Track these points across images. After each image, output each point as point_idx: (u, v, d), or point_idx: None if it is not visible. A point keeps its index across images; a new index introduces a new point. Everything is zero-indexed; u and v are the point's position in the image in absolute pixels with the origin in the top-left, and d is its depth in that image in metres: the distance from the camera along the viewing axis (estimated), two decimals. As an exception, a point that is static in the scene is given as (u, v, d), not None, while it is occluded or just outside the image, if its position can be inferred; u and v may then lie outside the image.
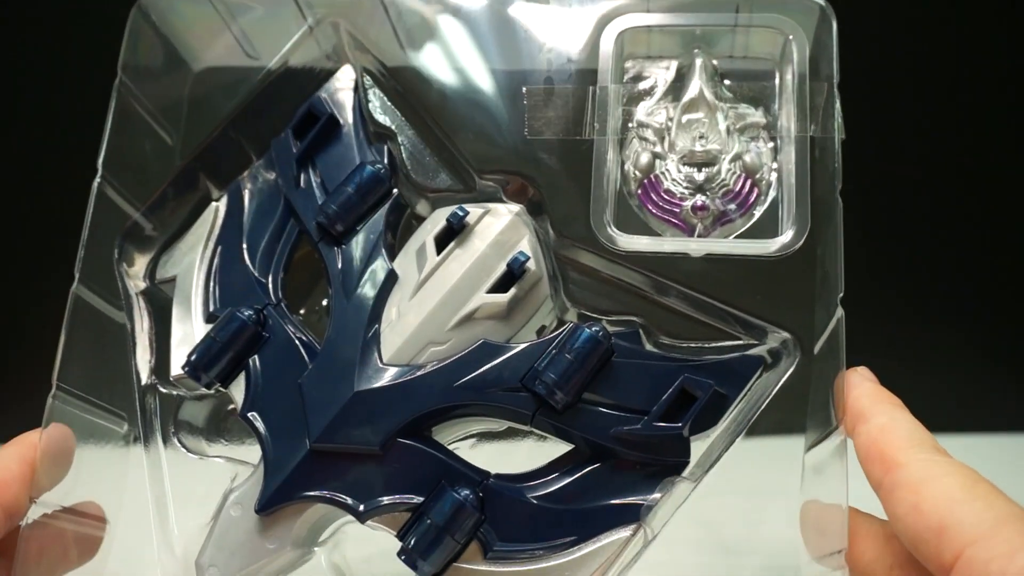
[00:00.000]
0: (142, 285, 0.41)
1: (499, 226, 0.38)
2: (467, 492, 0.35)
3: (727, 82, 0.40)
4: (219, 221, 0.41)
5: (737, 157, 0.38)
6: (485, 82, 0.40)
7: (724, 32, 0.40)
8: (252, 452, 0.38)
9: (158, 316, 0.40)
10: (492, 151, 0.39)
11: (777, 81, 0.40)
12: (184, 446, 0.39)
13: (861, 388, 0.35)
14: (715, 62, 0.40)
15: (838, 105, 0.38)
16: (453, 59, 0.41)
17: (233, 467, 0.39)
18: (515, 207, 0.38)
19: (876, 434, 0.33)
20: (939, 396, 0.56)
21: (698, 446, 0.36)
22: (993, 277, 0.63)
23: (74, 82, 0.59)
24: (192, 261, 0.41)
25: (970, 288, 0.63)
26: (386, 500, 0.36)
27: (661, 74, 0.40)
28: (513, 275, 0.37)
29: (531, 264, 0.37)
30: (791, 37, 0.39)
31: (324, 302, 0.42)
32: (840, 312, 0.35)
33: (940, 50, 0.59)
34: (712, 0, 0.40)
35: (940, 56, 0.59)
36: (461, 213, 0.37)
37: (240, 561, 0.36)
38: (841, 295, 0.35)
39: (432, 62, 0.41)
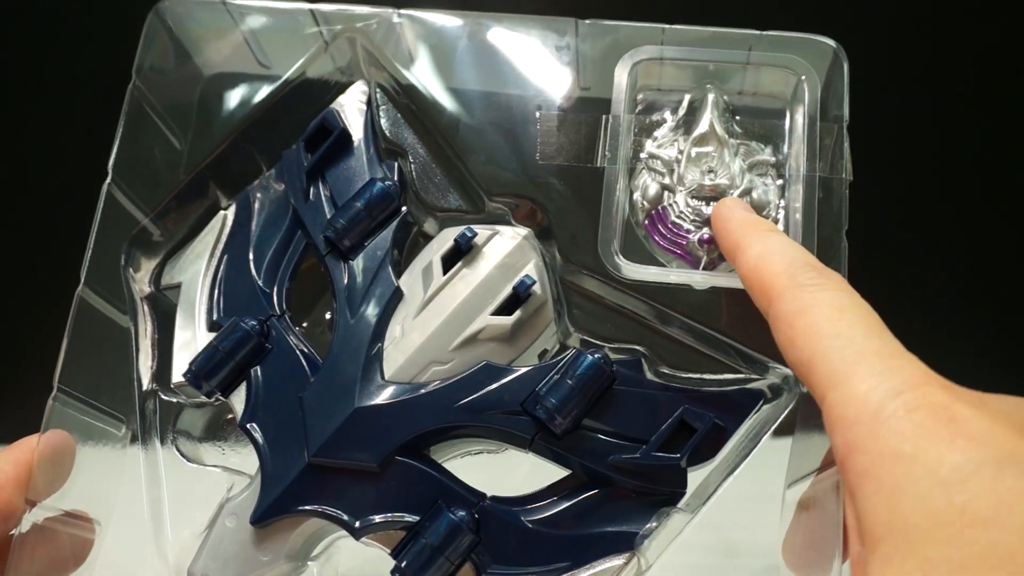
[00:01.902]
0: (147, 290, 0.41)
1: (506, 249, 0.38)
2: (463, 513, 0.35)
3: (738, 118, 0.41)
4: (227, 230, 0.41)
5: (745, 193, 0.39)
6: (498, 105, 0.41)
7: (736, 69, 0.40)
8: (249, 463, 0.38)
9: (162, 322, 0.40)
10: (503, 174, 0.39)
11: (787, 120, 0.40)
12: (182, 454, 0.39)
13: (734, 219, 0.35)
14: (726, 98, 0.41)
15: (847, 146, 0.38)
16: (467, 81, 0.41)
17: (229, 477, 0.39)
18: (523, 231, 0.39)
19: (754, 263, 0.32)
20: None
21: (695, 477, 0.36)
22: (992, 283, 0.64)
23: (87, 84, 0.59)
24: (198, 269, 0.41)
25: (969, 289, 0.64)
26: (381, 518, 0.36)
27: (673, 107, 0.41)
28: (518, 298, 0.37)
29: (537, 288, 0.37)
30: (803, 77, 0.39)
31: (328, 315, 0.42)
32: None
33: (952, 96, 0.60)
34: (726, 37, 0.40)
35: (951, 101, 0.60)
36: (469, 234, 0.38)
37: (233, 571, 0.36)
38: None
39: (446, 83, 0.41)
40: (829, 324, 0.28)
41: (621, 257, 0.38)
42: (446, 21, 0.42)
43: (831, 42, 0.40)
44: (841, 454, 0.26)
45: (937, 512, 0.22)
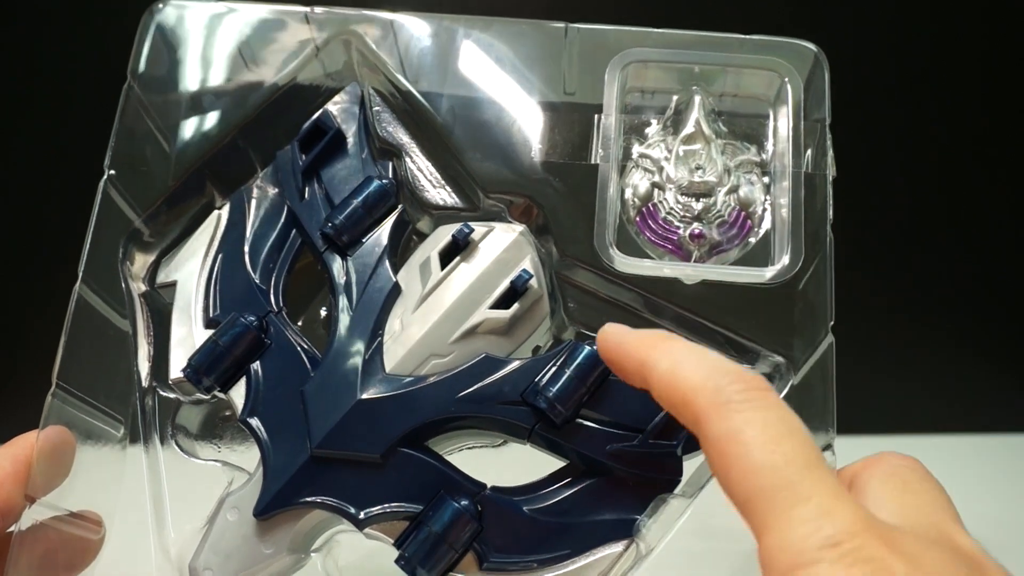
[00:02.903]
0: (143, 288, 0.41)
1: (503, 244, 0.39)
2: (466, 501, 0.36)
3: (724, 119, 0.42)
4: (221, 228, 0.41)
5: (732, 190, 0.40)
6: (493, 104, 0.41)
7: (721, 71, 0.42)
8: (248, 457, 0.38)
9: (158, 319, 0.40)
10: (499, 172, 0.40)
11: (771, 120, 0.42)
12: (181, 449, 0.39)
13: (628, 337, 0.32)
14: (712, 99, 0.42)
15: (830, 144, 0.40)
16: (461, 83, 0.42)
17: (229, 472, 0.39)
18: (518, 227, 0.40)
19: (668, 379, 0.29)
20: (939, 396, 0.58)
21: (691, 464, 0.37)
22: (988, 282, 0.66)
23: (83, 83, 0.59)
24: (193, 266, 0.41)
25: (968, 289, 0.66)
26: (385, 508, 0.36)
27: (661, 108, 0.42)
28: (516, 292, 0.38)
29: (534, 282, 0.38)
30: (786, 79, 0.41)
31: (323, 313, 0.42)
32: (830, 340, 0.37)
33: (930, 90, 0.63)
34: (711, 41, 0.42)
35: (930, 95, 0.63)
36: (467, 230, 0.38)
37: (236, 565, 0.36)
38: (832, 324, 0.37)
39: (440, 84, 0.42)
40: (763, 458, 0.26)
41: (616, 251, 0.39)
42: (439, 24, 0.43)
43: (812, 46, 0.41)
44: None
45: None
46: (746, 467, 0.26)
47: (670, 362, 0.29)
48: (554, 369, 0.37)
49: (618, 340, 0.32)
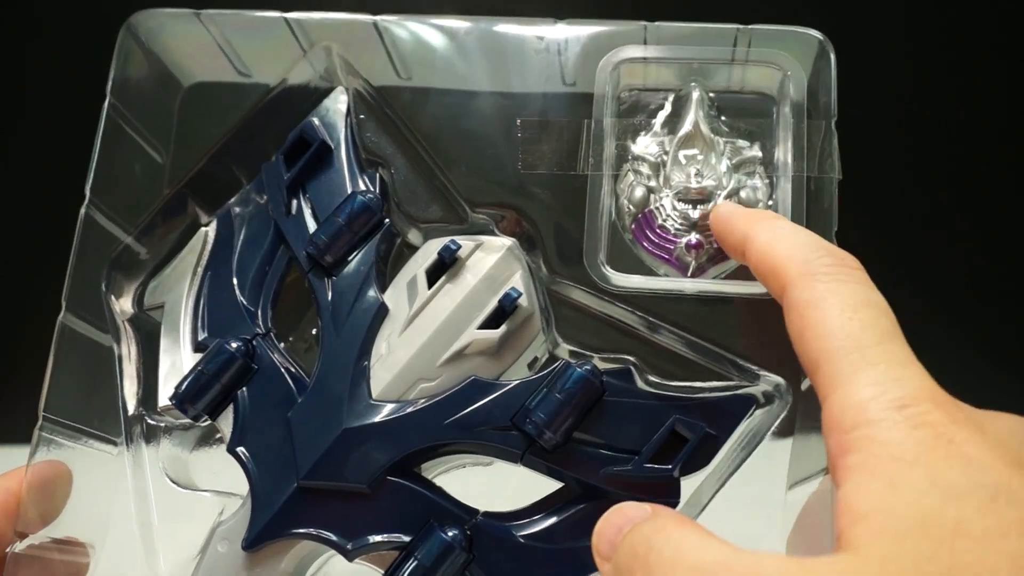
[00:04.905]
0: (130, 312, 0.41)
1: (491, 260, 0.37)
2: (455, 532, 0.35)
3: (724, 117, 0.40)
4: (208, 248, 0.41)
5: (733, 193, 0.38)
6: (479, 113, 0.40)
7: (721, 66, 0.40)
8: (240, 484, 0.38)
9: (146, 344, 0.40)
10: (485, 184, 0.39)
11: (774, 117, 0.39)
12: (171, 479, 0.39)
13: (737, 213, 0.34)
14: (711, 95, 0.40)
15: (836, 143, 0.37)
16: (447, 88, 0.41)
17: (221, 500, 0.38)
18: (507, 241, 0.38)
19: (765, 249, 0.31)
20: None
21: (689, 485, 0.35)
22: (1002, 293, 0.63)
23: (63, 106, 0.58)
24: (181, 288, 0.40)
25: (981, 301, 0.63)
26: (374, 539, 0.35)
27: (657, 106, 0.40)
28: (504, 311, 0.37)
29: (523, 300, 0.37)
30: (789, 72, 0.39)
31: (315, 331, 0.41)
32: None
33: (940, 84, 0.59)
34: (710, 32, 0.39)
35: (940, 90, 0.59)
36: (453, 247, 0.37)
37: (226, 597, 0.36)
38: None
39: (426, 90, 0.41)
40: (839, 322, 0.27)
41: (607, 267, 0.37)
42: (423, 26, 0.41)
43: (817, 34, 0.39)
44: (834, 455, 0.25)
45: (930, 514, 0.22)
46: (822, 331, 0.27)
47: (770, 236, 0.31)
48: (544, 392, 0.35)
49: (728, 214, 0.34)
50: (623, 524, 0.28)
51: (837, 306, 0.27)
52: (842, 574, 0.22)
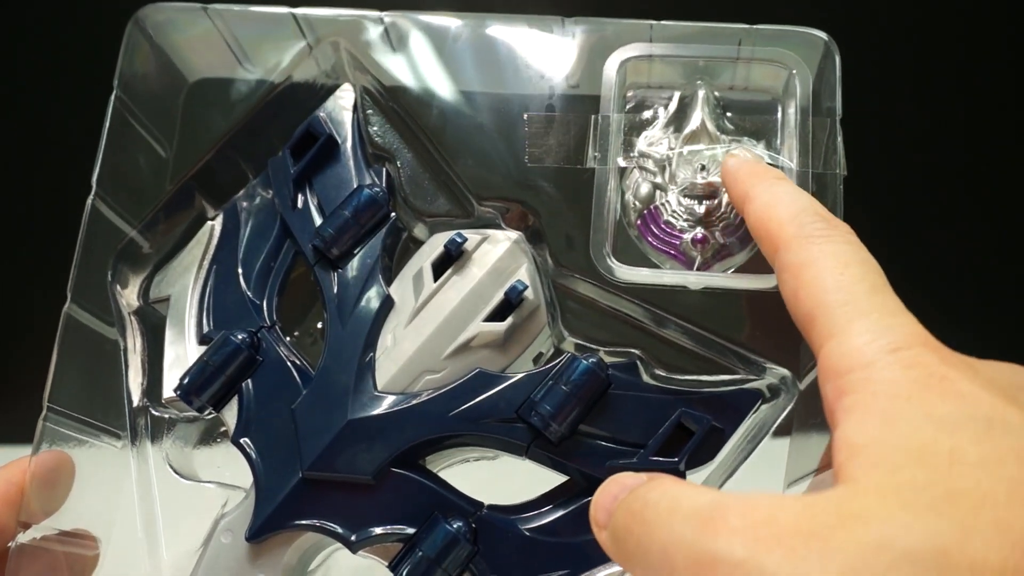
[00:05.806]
0: (135, 304, 0.40)
1: (497, 253, 0.38)
2: (460, 524, 0.35)
3: (729, 114, 0.40)
4: (214, 241, 0.41)
5: (737, 190, 0.38)
6: (486, 107, 0.40)
7: (727, 64, 0.40)
8: (243, 477, 0.38)
9: (151, 336, 0.40)
10: (492, 177, 0.39)
11: (779, 115, 0.39)
12: (175, 470, 0.39)
13: (742, 169, 0.35)
14: (717, 94, 0.40)
15: (840, 141, 0.37)
16: (454, 83, 0.40)
17: (224, 492, 0.38)
18: (513, 234, 0.38)
19: (762, 211, 0.32)
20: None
21: (694, 479, 0.35)
22: (1012, 293, 0.63)
23: (69, 98, 0.58)
24: (187, 281, 0.40)
25: (988, 301, 0.63)
26: (378, 530, 0.35)
27: (663, 104, 0.40)
28: (510, 304, 0.37)
29: (529, 293, 0.37)
30: (794, 71, 0.39)
31: (320, 325, 0.41)
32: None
33: (943, 85, 0.60)
34: (715, 32, 0.40)
35: (943, 90, 0.60)
36: (459, 240, 0.37)
37: (230, 589, 0.36)
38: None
39: (432, 85, 0.41)
40: (832, 278, 0.28)
41: (613, 259, 0.37)
42: (430, 23, 0.41)
43: (822, 35, 0.39)
44: (830, 399, 0.26)
45: (925, 445, 0.23)
46: (816, 287, 0.28)
47: (768, 197, 0.32)
48: (550, 384, 0.35)
49: (734, 168, 0.35)
50: (619, 492, 0.28)
51: (830, 264, 0.28)
52: (840, 504, 0.22)
